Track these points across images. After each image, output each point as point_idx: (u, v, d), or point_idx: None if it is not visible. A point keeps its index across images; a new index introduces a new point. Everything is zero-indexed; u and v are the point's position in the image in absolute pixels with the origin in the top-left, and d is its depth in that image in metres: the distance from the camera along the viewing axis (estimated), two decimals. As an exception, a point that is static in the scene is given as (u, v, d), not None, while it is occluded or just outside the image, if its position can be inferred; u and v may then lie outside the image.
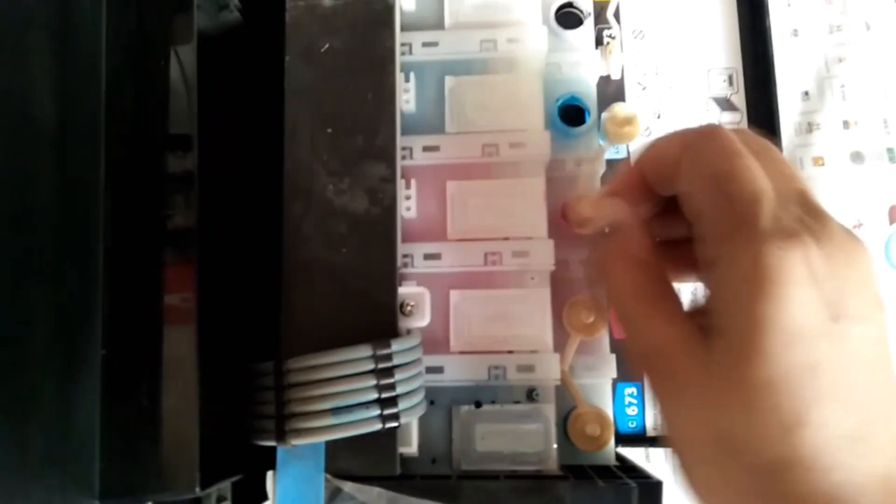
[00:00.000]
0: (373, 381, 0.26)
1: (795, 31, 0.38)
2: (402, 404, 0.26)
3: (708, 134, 0.21)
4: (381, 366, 0.26)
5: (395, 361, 0.26)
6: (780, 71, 0.37)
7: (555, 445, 0.28)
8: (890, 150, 0.38)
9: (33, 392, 0.23)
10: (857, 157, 0.37)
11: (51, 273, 0.24)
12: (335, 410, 0.25)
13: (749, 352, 0.18)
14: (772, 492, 0.18)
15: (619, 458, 0.31)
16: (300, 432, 0.26)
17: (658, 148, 0.23)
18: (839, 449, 0.18)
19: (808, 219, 0.19)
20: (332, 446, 0.27)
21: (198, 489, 0.25)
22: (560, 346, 0.29)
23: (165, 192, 0.27)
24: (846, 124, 0.38)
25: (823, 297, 0.18)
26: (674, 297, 0.22)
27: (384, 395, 0.26)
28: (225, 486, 0.27)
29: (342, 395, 0.25)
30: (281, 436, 0.26)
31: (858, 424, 0.18)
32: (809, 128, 0.38)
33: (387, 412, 0.26)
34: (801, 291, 0.18)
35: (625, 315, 0.22)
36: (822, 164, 0.38)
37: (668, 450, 0.23)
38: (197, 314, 0.26)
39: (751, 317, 0.18)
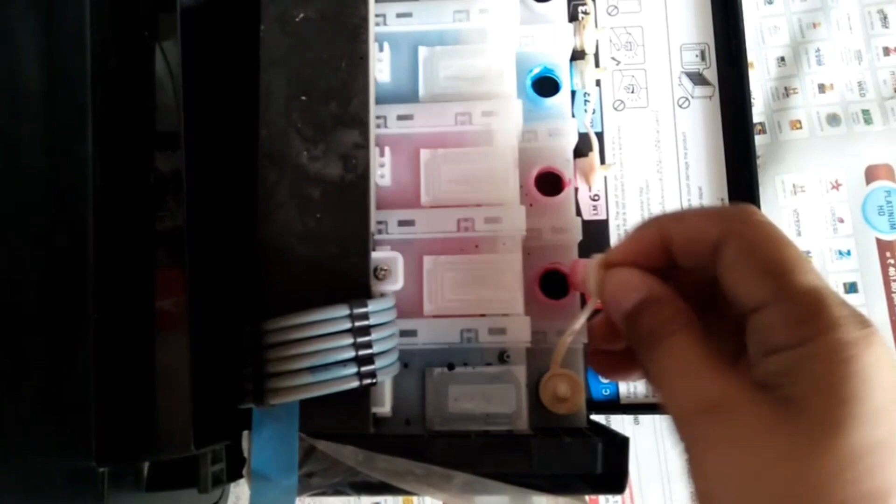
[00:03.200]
0: (350, 340, 0.27)
1: None
2: (379, 363, 0.27)
3: (748, 218, 0.23)
4: (357, 324, 0.27)
5: (371, 321, 0.28)
6: (756, 38, 0.39)
7: (525, 406, 0.30)
8: (865, 112, 0.40)
9: (27, 357, 0.25)
10: (833, 119, 0.40)
11: (41, 236, 0.25)
12: (313, 369, 0.27)
13: (838, 424, 0.19)
14: None
15: (591, 423, 0.32)
16: (278, 392, 0.27)
17: (692, 225, 0.24)
18: None
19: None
20: (306, 406, 0.28)
21: (192, 448, 0.26)
22: (530, 310, 0.31)
23: (152, 163, 0.29)
24: (822, 88, 0.41)
25: None
26: (728, 360, 0.22)
27: (361, 353, 0.27)
28: (220, 448, 0.29)
29: (320, 354, 0.27)
30: (259, 396, 0.27)
31: None
32: (786, 92, 0.40)
33: (364, 370, 0.27)
34: (882, 372, 0.20)
35: (680, 373, 0.23)
36: (800, 128, 0.40)
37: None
38: (188, 279, 0.27)
39: (839, 394, 0.20)
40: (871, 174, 0.40)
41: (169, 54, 0.30)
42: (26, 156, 0.26)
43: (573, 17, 0.38)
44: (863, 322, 0.21)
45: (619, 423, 0.40)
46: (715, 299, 0.24)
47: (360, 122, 0.30)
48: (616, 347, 0.28)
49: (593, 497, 0.42)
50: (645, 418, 0.42)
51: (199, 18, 0.31)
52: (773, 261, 0.22)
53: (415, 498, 0.42)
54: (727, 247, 0.23)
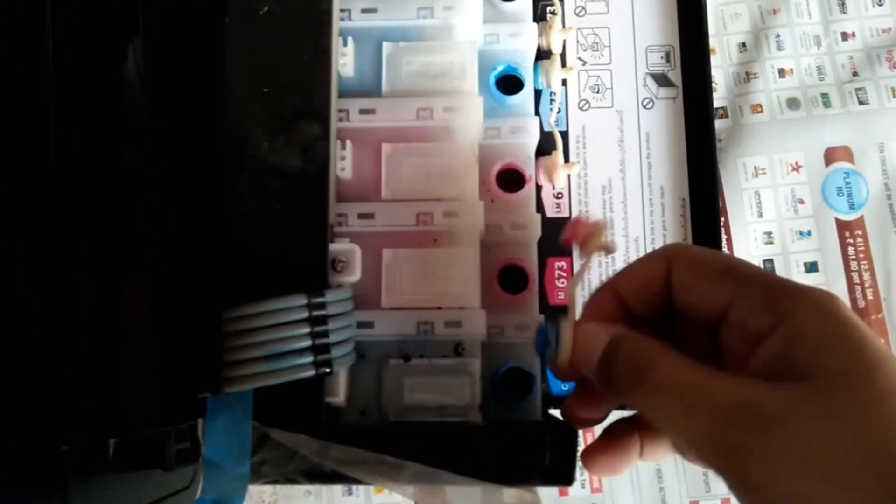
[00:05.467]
0: (306, 329, 0.28)
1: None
2: (335, 352, 0.28)
3: (684, 246, 0.27)
4: (314, 314, 0.28)
5: (329, 311, 0.28)
6: (717, 25, 0.40)
7: (479, 398, 0.30)
8: (824, 96, 0.41)
9: None
10: (793, 103, 0.41)
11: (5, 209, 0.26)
12: (269, 357, 0.28)
13: (866, 373, 0.19)
14: None
15: (547, 416, 0.33)
16: (234, 380, 0.28)
17: (638, 270, 0.25)
18: None
19: None
20: (260, 395, 0.29)
21: (156, 424, 0.27)
22: (488, 304, 0.32)
23: (118, 151, 0.29)
24: (782, 72, 0.42)
25: None
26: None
27: (317, 343, 0.28)
28: (185, 427, 0.29)
29: (276, 343, 0.28)
30: (215, 384, 0.28)
31: None
32: (747, 77, 0.42)
33: (319, 359, 0.28)
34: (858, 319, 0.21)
35: (680, 395, 0.21)
36: (761, 112, 0.42)
37: None
38: (152, 263, 0.28)
39: (847, 346, 0.20)
40: (830, 156, 0.42)
41: (133, 48, 0.31)
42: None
43: (541, 17, 0.39)
44: (817, 288, 0.22)
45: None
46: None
47: (322, 115, 0.31)
48: (597, 415, 0.27)
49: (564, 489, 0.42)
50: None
51: (164, 10, 0.32)
52: (722, 265, 0.24)
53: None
54: (676, 271, 0.24)
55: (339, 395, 0.30)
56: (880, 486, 0.18)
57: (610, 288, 0.26)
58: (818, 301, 0.21)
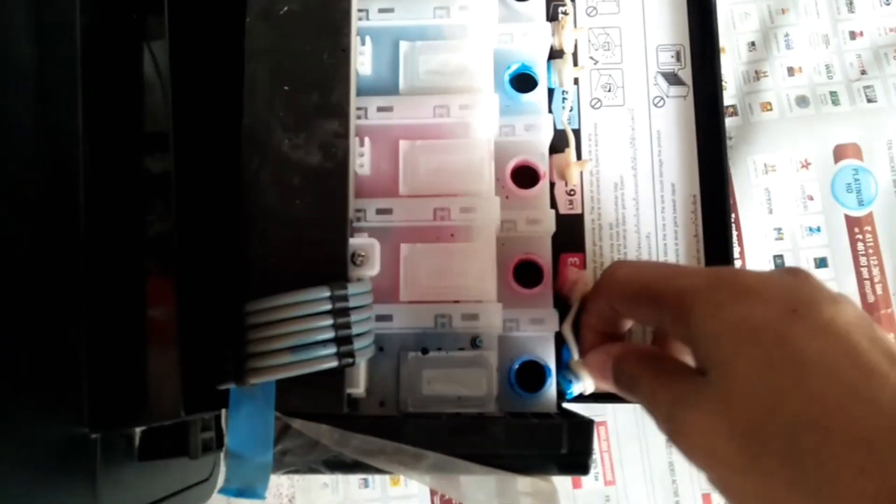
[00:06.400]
0: (330, 321, 0.28)
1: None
2: (357, 344, 0.29)
3: (614, 270, 0.31)
4: (337, 306, 0.28)
5: (351, 303, 0.29)
6: (727, 24, 0.41)
7: (496, 389, 0.31)
8: (833, 94, 0.42)
9: (19, 326, 0.26)
10: (802, 101, 0.42)
11: (33, 208, 0.27)
12: (293, 349, 0.28)
13: (729, 366, 0.25)
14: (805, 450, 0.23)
15: (561, 409, 0.34)
16: (258, 371, 0.28)
17: (593, 309, 0.32)
18: None
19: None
20: (281, 386, 0.29)
21: (183, 413, 0.27)
22: (504, 298, 0.32)
23: (142, 148, 0.30)
24: (791, 71, 0.42)
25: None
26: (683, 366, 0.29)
27: (340, 334, 0.28)
28: (209, 416, 0.30)
29: (301, 334, 0.28)
30: (240, 375, 0.28)
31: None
32: (757, 76, 0.42)
33: (343, 350, 0.28)
34: (729, 309, 0.26)
35: (651, 399, 0.28)
36: (770, 110, 0.42)
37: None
38: (177, 255, 0.29)
39: (721, 345, 0.25)
40: (838, 153, 0.42)
41: (157, 52, 0.31)
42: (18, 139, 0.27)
43: (553, 17, 0.40)
44: (714, 279, 0.26)
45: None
46: None
47: (341, 113, 0.31)
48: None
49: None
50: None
51: (187, 11, 0.33)
52: (638, 289, 0.29)
53: (401, 478, 0.43)
54: (614, 302, 0.30)
55: (358, 386, 0.30)
56: (734, 450, 0.24)
57: (590, 326, 0.32)
58: (708, 303, 0.26)
